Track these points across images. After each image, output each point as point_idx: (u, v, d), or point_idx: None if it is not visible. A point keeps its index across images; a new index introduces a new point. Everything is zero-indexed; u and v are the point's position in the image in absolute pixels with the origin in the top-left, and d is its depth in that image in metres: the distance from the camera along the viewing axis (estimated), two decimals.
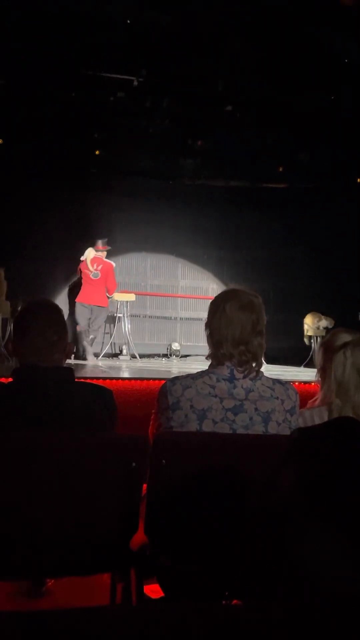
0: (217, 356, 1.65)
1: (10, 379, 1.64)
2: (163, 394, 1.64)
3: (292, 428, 1.67)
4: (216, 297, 1.72)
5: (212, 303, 1.71)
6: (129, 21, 4.81)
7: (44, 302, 1.68)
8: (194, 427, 1.59)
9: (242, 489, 1.58)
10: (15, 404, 1.51)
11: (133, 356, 7.56)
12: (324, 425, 1.08)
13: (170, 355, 8.23)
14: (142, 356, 7.92)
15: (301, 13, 4.69)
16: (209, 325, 1.68)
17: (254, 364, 1.66)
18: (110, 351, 7.81)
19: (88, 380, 3.40)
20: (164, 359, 8.11)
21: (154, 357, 8.12)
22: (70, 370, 1.59)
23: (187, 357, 8.14)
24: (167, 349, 8.33)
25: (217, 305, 1.68)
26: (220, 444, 1.54)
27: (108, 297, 7.34)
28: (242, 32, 5.03)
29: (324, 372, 1.84)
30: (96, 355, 7.31)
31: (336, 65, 5.28)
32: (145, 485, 1.62)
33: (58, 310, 1.64)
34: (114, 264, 7.38)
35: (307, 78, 5.57)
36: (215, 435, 1.56)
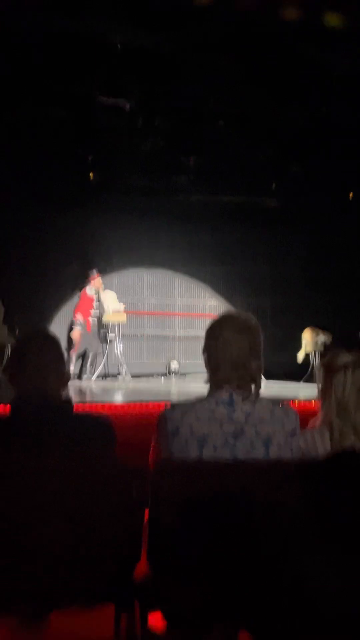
0: (215, 380, 1.64)
1: (7, 409, 1.63)
2: (162, 421, 1.63)
3: (293, 451, 1.66)
4: (212, 322, 1.72)
5: (208, 327, 1.71)
6: (119, 46, 4.89)
7: (40, 332, 1.68)
8: (194, 453, 1.58)
9: (245, 514, 1.56)
10: (14, 436, 1.50)
11: (128, 377, 7.53)
12: (328, 458, 1.07)
13: (169, 373, 8.21)
14: (140, 375, 7.89)
15: (290, 30, 4.76)
16: (206, 349, 1.68)
17: (252, 387, 1.65)
18: (103, 371, 7.78)
19: (87, 406, 3.42)
20: (162, 378, 8.08)
21: (152, 376, 8.10)
22: (68, 400, 1.58)
23: (186, 375, 8.12)
24: (166, 367, 8.30)
25: (214, 330, 1.68)
26: (221, 470, 1.52)
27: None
28: (232, 50, 5.09)
29: (324, 392, 1.83)
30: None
31: (326, 80, 5.36)
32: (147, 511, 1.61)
33: (55, 340, 1.63)
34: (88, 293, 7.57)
35: (298, 94, 5.64)
36: (216, 462, 1.55)
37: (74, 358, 7.29)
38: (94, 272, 7.48)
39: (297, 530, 1.48)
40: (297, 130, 6.29)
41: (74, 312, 7.51)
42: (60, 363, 1.61)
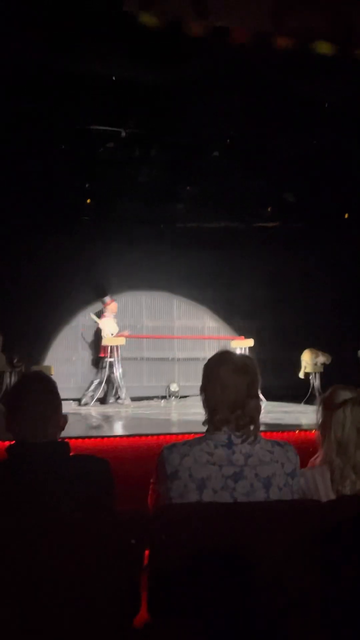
0: (213, 421, 1.63)
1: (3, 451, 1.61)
2: (161, 463, 1.61)
3: (294, 491, 1.64)
4: (209, 361, 1.71)
5: (205, 367, 1.70)
6: (114, 78, 4.98)
7: (36, 376, 1.67)
8: (194, 497, 1.56)
9: (248, 559, 1.54)
10: (10, 483, 1.48)
11: (127, 400, 7.51)
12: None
13: (169, 396, 8.18)
14: (140, 399, 7.86)
15: (282, 62, 4.85)
16: (204, 390, 1.67)
17: (251, 427, 1.63)
18: (102, 395, 7.77)
19: (86, 442, 3.40)
20: (162, 401, 8.04)
21: (152, 399, 8.06)
22: (65, 444, 1.56)
23: (186, 398, 8.08)
24: (166, 390, 8.27)
25: (211, 370, 1.67)
26: (221, 514, 1.50)
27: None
28: (225, 83, 5.19)
29: (324, 429, 1.82)
30: (86, 404, 7.37)
31: (316, 110, 5.44)
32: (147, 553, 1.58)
33: (51, 384, 1.62)
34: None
35: (291, 123, 5.73)
36: (216, 506, 1.52)
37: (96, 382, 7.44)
38: (108, 298, 7.66)
39: (299, 576, 1.46)
40: (291, 155, 6.37)
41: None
42: (57, 408, 1.60)
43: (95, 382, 7.50)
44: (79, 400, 7.44)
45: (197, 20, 4.07)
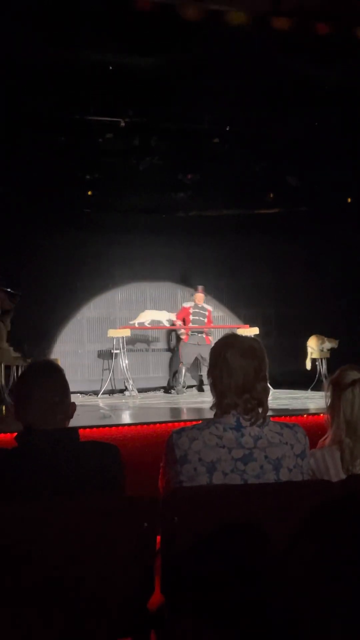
0: (221, 405, 1.63)
1: (11, 440, 1.61)
2: (170, 447, 1.61)
3: (303, 472, 1.64)
4: (216, 345, 1.70)
5: (212, 351, 1.70)
6: (111, 67, 4.94)
7: (44, 363, 1.67)
8: (204, 480, 1.56)
9: (259, 540, 1.54)
10: (20, 470, 1.48)
11: (134, 392, 7.53)
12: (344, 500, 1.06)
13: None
14: (147, 390, 7.88)
15: (281, 44, 4.80)
16: (211, 374, 1.66)
17: (260, 410, 1.63)
18: (109, 388, 7.79)
19: (95, 431, 3.42)
20: (172, 391, 8.05)
21: (159, 391, 8.07)
22: (74, 431, 1.56)
23: (193, 388, 8.09)
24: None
25: (218, 354, 1.66)
26: (231, 496, 1.50)
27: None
28: (223, 68, 5.14)
29: (333, 410, 1.82)
30: (95, 393, 7.39)
31: (317, 92, 5.38)
32: (159, 538, 1.58)
33: (59, 371, 1.62)
34: (184, 305, 7.91)
35: (290, 106, 5.67)
36: (226, 488, 1.52)
37: (183, 369, 7.57)
38: (199, 288, 7.79)
39: (310, 556, 1.46)
40: (292, 139, 6.32)
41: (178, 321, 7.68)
42: (65, 394, 1.59)
43: (183, 368, 7.59)
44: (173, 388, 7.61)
45: (193, 3, 4.02)
